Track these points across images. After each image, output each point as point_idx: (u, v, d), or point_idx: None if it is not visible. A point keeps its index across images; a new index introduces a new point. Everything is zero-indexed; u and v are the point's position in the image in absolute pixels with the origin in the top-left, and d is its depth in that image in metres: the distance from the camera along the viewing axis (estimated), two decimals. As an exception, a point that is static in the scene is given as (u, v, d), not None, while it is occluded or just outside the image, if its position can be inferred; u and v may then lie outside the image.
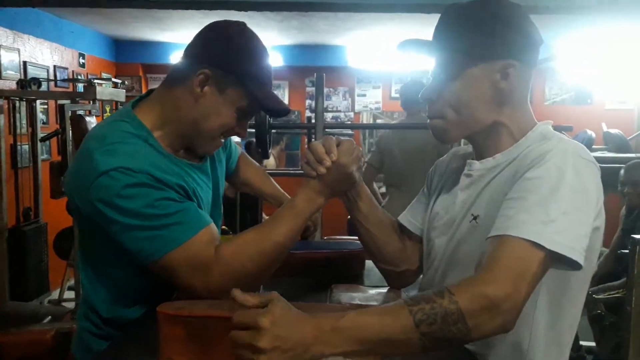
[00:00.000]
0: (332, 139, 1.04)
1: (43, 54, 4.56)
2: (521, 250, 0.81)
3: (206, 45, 1.08)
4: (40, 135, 3.98)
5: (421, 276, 1.16)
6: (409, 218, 1.18)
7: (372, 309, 0.79)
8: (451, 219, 1.02)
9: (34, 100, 3.93)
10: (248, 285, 1.01)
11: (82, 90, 3.70)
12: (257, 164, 1.61)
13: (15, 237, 3.64)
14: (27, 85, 3.82)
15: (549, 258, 0.81)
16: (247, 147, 4.01)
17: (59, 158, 3.74)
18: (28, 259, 3.69)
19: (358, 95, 6.47)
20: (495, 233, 0.85)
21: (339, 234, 3.44)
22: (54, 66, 4.70)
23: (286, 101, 6.40)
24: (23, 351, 2.13)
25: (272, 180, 1.56)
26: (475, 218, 0.97)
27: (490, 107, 0.96)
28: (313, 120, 2.88)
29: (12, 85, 3.98)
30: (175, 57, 1.17)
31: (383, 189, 3.73)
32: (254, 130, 2.73)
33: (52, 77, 4.57)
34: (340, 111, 6.48)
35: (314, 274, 1.37)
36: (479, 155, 1.03)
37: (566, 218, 0.82)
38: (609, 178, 3.27)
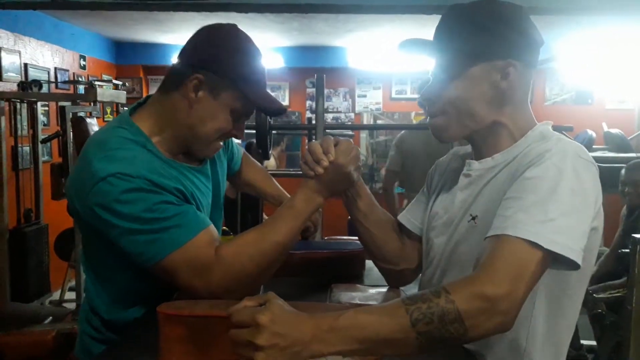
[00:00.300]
0: (330, 139, 1.04)
1: (44, 56, 4.57)
2: (519, 250, 0.81)
3: (197, 49, 1.09)
4: (41, 137, 3.99)
5: (420, 275, 1.16)
6: (408, 217, 1.18)
7: (370, 308, 0.79)
8: (450, 218, 1.03)
9: (35, 102, 3.93)
10: (249, 286, 1.02)
11: (83, 92, 3.70)
12: (259, 164, 1.61)
13: (16, 238, 3.64)
14: (28, 87, 3.83)
15: (547, 258, 0.81)
16: (248, 148, 4.01)
17: (60, 160, 3.75)
18: (29, 260, 3.70)
19: (358, 96, 6.48)
20: (493, 233, 0.85)
21: (339, 234, 3.44)
22: (55, 68, 4.71)
23: (287, 102, 6.42)
24: (24, 352, 2.14)
25: (274, 180, 1.56)
26: (473, 218, 0.97)
27: (490, 106, 0.97)
28: (313, 121, 2.88)
29: (13, 87, 3.99)
30: (176, 59, 1.18)
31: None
32: (254, 131, 2.73)
33: (52, 79, 4.58)
34: (340, 112, 6.49)
35: (314, 273, 1.37)
36: (478, 155, 1.03)
37: (564, 218, 0.82)
38: (609, 178, 3.28)
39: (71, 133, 3.43)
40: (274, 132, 2.98)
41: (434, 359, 0.89)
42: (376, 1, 2.60)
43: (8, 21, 4.02)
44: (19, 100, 3.84)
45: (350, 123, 6.40)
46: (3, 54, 3.97)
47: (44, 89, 4.11)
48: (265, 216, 2.93)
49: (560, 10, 2.72)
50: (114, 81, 4.66)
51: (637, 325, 2.26)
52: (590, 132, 4.27)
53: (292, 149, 6.30)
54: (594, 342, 3.06)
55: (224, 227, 1.74)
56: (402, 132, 3.77)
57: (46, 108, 4.48)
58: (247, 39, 1.10)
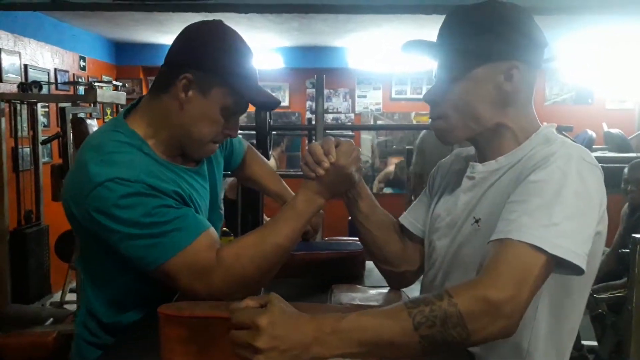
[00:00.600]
0: (330, 140, 1.04)
1: (44, 57, 4.57)
2: (523, 254, 0.80)
3: (184, 48, 1.07)
4: (41, 138, 3.99)
5: (422, 277, 1.16)
6: (410, 219, 1.18)
7: (372, 310, 0.79)
8: (453, 221, 1.02)
9: (35, 103, 3.94)
10: (250, 288, 1.02)
11: (83, 93, 3.70)
12: (265, 159, 1.59)
13: (17, 239, 3.65)
14: (28, 88, 3.83)
15: (551, 262, 0.81)
16: (248, 149, 4.01)
17: (60, 161, 3.75)
18: (29, 262, 3.70)
19: (358, 97, 6.48)
20: (497, 237, 0.84)
21: (340, 235, 3.44)
22: (55, 69, 4.71)
23: (286, 103, 6.42)
24: (25, 353, 2.13)
25: (278, 177, 1.54)
26: (477, 221, 0.96)
27: (494, 108, 0.96)
28: (313, 122, 2.88)
29: (13, 88, 3.99)
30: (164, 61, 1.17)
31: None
32: (254, 132, 2.73)
33: (52, 80, 4.58)
34: (340, 112, 6.49)
35: (315, 274, 1.37)
36: (482, 157, 1.02)
37: (569, 222, 0.82)
38: (609, 178, 3.26)
39: (71, 134, 3.43)
40: (274, 132, 2.98)
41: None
42: (376, 1, 2.60)
43: (8, 22, 4.03)
44: (19, 102, 3.84)
45: (350, 123, 6.41)
46: (3, 55, 3.97)
47: (44, 90, 4.11)
48: (266, 217, 2.94)
49: (560, 10, 2.72)
50: (114, 82, 4.66)
51: (638, 326, 2.26)
52: (590, 132, 4.28)
53: (292, 149, 6.30)
54: (595, 343, 3.06)
55: (225, 228, 1.74)
56: (422, 133, 3.77)
57: (46, 109, 4.48)
58: (233, 34, 1.09)
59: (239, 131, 1.23)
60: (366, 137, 6.50)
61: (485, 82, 0.95)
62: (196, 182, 1.16)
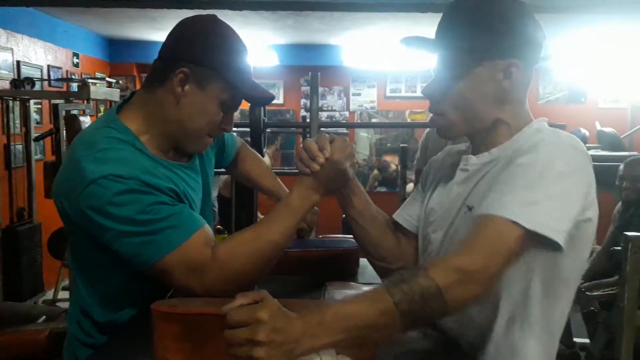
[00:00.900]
0: (325, 137, 1.04)
1: (37, 54, 4.54)
2: (499, 228, 0.84)
3: (180, 43, 1.07)
4: (34, 135, 3.97)
5: None
6: (404, 215, 1.19)
7: (355, 297, 0.81)
8: (447, 213, 1.04)
9: (28, 100, 3.91)
10: (244, 284, 1.02)
11: (76, 90, 3.69)
12: (259, 155, 1.58)
13: (9, 237, 3.63)
14: (21, 84, 3.81)
15: (528, 237, 0.83)
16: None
17: (53, 158, 3.74)
18: (22, 259, 3.69)
19: (353, 95, 6.49)
20: (479, 212, 0.88)
21: (334, 232, 3.45)
22: (48, 66, 4.69)
23: (281, 100, 6.42)
24: (17, 351, 2.13)
25: (273, 174, 1.53)
26: (470, 209, 0.98)
27: (493, 105, 0.98)
28: (308, 120, 2.89)
29: (6, 85, 3.96)
30: (158, 55, 1.16)
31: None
32: (248, 129, 2.73)
33: (45, 77, 4.56)
34: (335, 110, 6.49)
35: (309, 272, 1.37)
36: (476, 150, 1.04)
37: (549, 202, 0.85)
38: (602, 176, 3.28)
39: (64, 131, 3.42)
40: (268, 130, 2.97)
41: (430, 355, 0.91)
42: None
43: (0, 18, 4.00)
44: (11, 98, 3.82)
45: (344, 121, 6.42)
46: (-5, 51, 3.95)
47: (37, 87, 4.09)
48: (259, 215, 2.94)
49: (554, 9, 2.74)
50: (108, 79, 4.64)
51: (629, 323, 2.28)
52: (583, 130, 4.31)
53: (287, 147, 6.31)
54: (586, 340, 3.08)
55: (219, 226, 1.74)
56: (427, 131, 3.79)
57: (39, 106, 4.45)
58: (228, 28, 1.09)
59: (233, 129, 1.23)
60: (364, 135, 6.51)
61: (485, 81, 0.96)
62: (189, 177, 1.16)
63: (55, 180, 1.08)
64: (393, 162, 6.38)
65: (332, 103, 6.49)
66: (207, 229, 1.04)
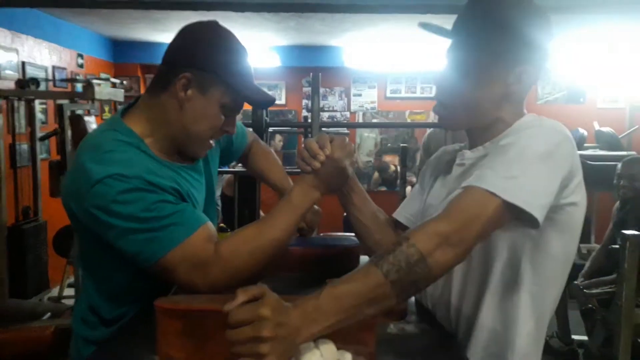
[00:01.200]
0: (325, 136, 1.07)
1: (41, 54, 4.57)
2: (477, 197, 0.87)
3: (182, 48, 1.09)
4: (39, 134, 4.00)
5: None
6: (404, 213, 1.21)
7: (345, 278, 0.82)
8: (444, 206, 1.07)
9: (33, 100, 3.94)
10: (247, 280, 1.03)
11: (81, 90, 3.72)
12: (270, 150, 1.61)
13: (15, 235, 3.65)
14: (26, 85, 3.84)
15: (504, 208, 0.86)
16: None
17: (58, 157, 3.76)
18: (27, 257, 3.71)
19: (354, 95, 6.50)
20: (461, 186, 0.91)
21: (335, 231, 3.47)
22: (53, 66, 4.71)
23: (283, 101, 6.43)
24: (23, 348, 2.14)
25: (281, 168, 1.55)
26: None
27: (498, 105, 1.01)
28: (309, 120, 2.91)
29: (11, 85, 3.99)
30: (162, 61, 1.19)
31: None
32: (251, 129, 2.76)
33: (50, 77, 4.58)
34: (336, 111, 6.51)
35: (310, 269, 1.37)
36: (472, 144, 1.07)
37: (527, 177, 0.88)
38: (600, 176, 3.32)
39: (69, 131, 3.45)
40: (270, 130, 3.00)
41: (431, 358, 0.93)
42: (372, 1, 2.63)
43: (5, 19, 4.02)
44: (16, 98, 3.84)
45: (345, 121, 6.44)
46: (0, 51, 3.97)
47: (42, 87, 4.12)
48: (262, 213, 2.96)
49: (554, 9, 2.76)
50: (112, 79, 4.66)
51: (627, 321, 2.30)
52: (581, 130, 4.32)
53: (289, 147, 6.33)
54: (584, 337, 3.10)
55: (222, 224, 1.76)
56: (429, 132, 3.81)
57: (44, 106, 4.48)
58: (229, 34, 1.11)
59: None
60: (370, 135, 6.53)
61: (496, 82, 0.99)
62: (192, 178, 1.18)
63: (62, 186, 1.10)
64: (393, 162, 6.40)
65: (333, 103, 6.51)
66: (210, 225, 1.06)
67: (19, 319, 2.74)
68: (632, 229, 2.38)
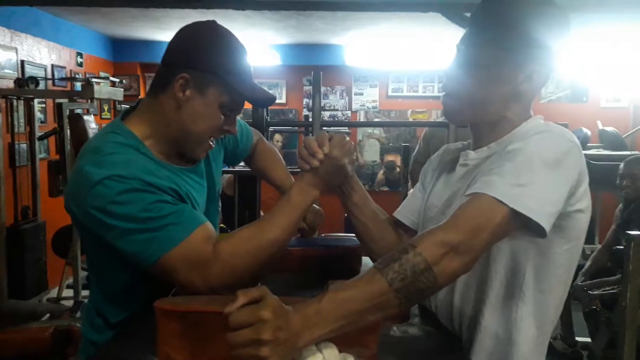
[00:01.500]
0: (325, 134, 1.06)
1: (41, 53, 4.56)
2: (485, 205, 0.86)
3: (180, 49, 1.09)
4: (38, 134, 3.99)
5: None
6: (404, 213, 1.20)
7: (348, 283, 0.81)
8: (447, 207, 1.05)
9: (32, 99, 3.94)
10: (246, 280, 1.03)
11: (80, 89, 3.71)
12: (274, 149, 1.62)
13: (14, 235, 3.65)
14: (25, 84, 3.83)
15: (512, 217, 0.85)
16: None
17: (57, 157, 3.75)
18: (26, 257, 3.71)
19: (355, 94, 6.49)
20: (467, 192, 0.90)
21: (336, 231, 3.45)
22: (52, 65, 4.70)
23: (283, 100, 6.42)
24: (21, 349, 2.13)
25: (284, 167, 1.56)
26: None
27: (505, 103, 1.00)
28: (310, 119, 2.90)
29: (10, 84, 3.98)
30: (161, 63, 1.19)
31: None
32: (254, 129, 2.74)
33: (49, 76, 4.58)
34: (337, 110, 6.50)
35: (311, 270, 1.37)
36: (477, 144, 1.06)
37: (534, 186, 0.86)
38: (604, 175, 3.30)
39: (68, 130, 3.44)
40: (270, 128, 2.99)
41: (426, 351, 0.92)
42: (373, -1, 2.61)
43: (4, 18, 4.02)
44: (15, 97, 3.84)
45: (346, 120, 6.43)
46: (0, 50, 3.97)
47: (41, 86, 4.11)
48: (262, 214, 2.95)
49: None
50: (111, 78, 4.65)
51: (631, 322, 2.28)
52: (585, 130, 4.31)
53: (289, 146, 6.32)
54: (588, 339, 3.09)
55: (222, 225, 1.75)
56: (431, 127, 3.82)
57: (43, 105, 4.47)
58: (227, 33, 1.11)
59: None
60: (372, 136, 6.52)
61: (507, 79, 0.98)
62: (192, 180, 1.18)
63: (64, 190, 1.12)
64: (395, 161, 6.39)
65: (334, 102, 6.50)
66: (209, 225, 1.05)
67: (18, 319, 2.73)
68: (637, 229, 2.36)
